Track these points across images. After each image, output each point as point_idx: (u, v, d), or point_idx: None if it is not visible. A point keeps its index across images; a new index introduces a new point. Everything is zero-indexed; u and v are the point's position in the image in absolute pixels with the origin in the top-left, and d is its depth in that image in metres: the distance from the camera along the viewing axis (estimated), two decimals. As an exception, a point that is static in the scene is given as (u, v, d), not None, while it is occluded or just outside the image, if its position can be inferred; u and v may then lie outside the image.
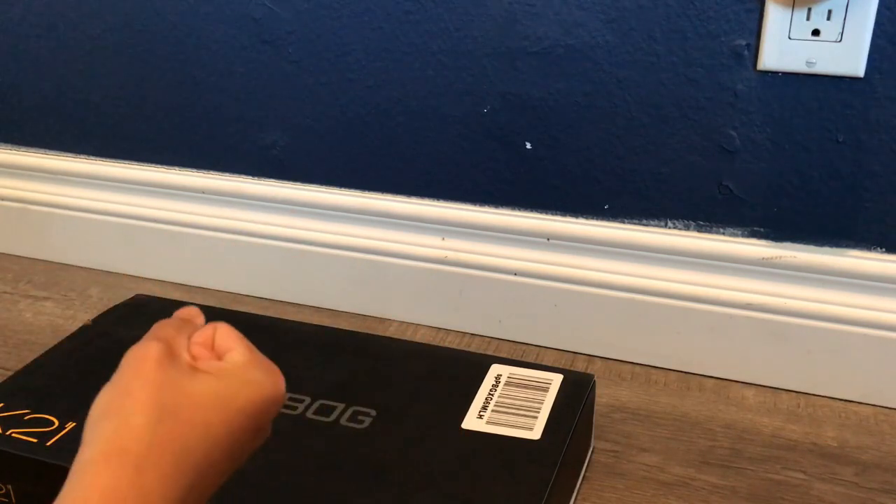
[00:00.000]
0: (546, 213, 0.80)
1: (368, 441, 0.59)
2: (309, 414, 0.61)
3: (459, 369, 0.67)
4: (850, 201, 0.70)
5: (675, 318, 0.77)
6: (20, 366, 0.70)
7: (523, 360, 0.80)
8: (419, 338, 0.85)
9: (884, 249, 0.71)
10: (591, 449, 0.68)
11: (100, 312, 0.76)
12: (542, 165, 0.78)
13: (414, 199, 0.84)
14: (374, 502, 0.54)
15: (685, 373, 0.79)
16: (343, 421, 0.61)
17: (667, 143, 0.73)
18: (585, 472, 0.66)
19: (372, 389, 0.64)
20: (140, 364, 0.40)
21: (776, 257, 0.73)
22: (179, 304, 0.78)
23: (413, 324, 0.87)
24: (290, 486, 0.55)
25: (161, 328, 0.44)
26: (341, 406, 0.62)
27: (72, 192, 0.97)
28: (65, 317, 0.90)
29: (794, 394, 0.76)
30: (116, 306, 0.77)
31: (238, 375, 0.42)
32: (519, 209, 0.80)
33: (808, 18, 0.65)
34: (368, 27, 0.78)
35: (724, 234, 0.75)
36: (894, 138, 0.67)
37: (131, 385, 0.39)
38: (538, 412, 0.61)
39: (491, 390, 0.64)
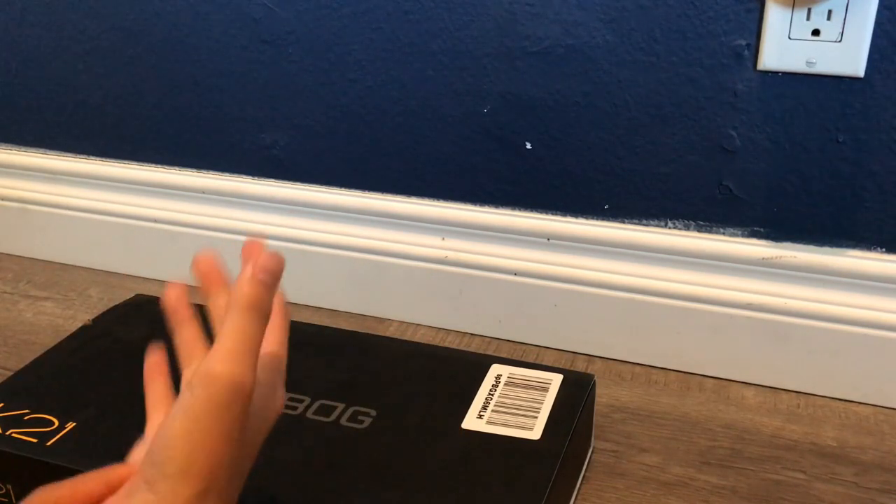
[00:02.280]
0: (546, 213, 0.80)
1: (368, 441, 0.59)
2: (309, 414, 0.61)
3: (459, 369, 0.67)
4: (850, 201, 0.70)
5: (675, 318, 0.77)
6: (20, 366, 0.70)
7: (523, 360, 0.80)
8: (419, 338, 0.85)
9: (884, 249, 0.71)
10: (591, 449, 0.68)
11: (100, 312, 0.76)
12: (542, 165, 0.78)
13: (414, 199, 0.84)
14: (374, 502, 0.54)
15: (685, 373, 0.79)
16: (343, 421, 0.61)
17: (667, 143, 0.73)
18: (585, 472, 0.66)
19: (372, 389, 0.64)
20: (225, 421, 0.39)
21: (776, 257, 0.73)
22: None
23: (413, 324, 0.87)
24: (290, 486, 0.55)
25: (246, 355, 0.41)
26: (341, 406, 0.62)
27: (72, 192, 0.97)
28: (65, 317, 0.90)
29: (794, 394, 0.76)
30: (116, 306, 0.77)
31: (263, 411, 0.45)
32: (519, 209, 0.80)
33: (808, 18, 0.65)
34: (368, 27, 0.78)
35: (724, 234, 0.75)
36: (894, 138, 0.67)
37: (218, 448, 0.39)
38: (538, 412, 0.61)
39: (491, 390, 0.64)
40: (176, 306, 0.49)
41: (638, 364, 0.80)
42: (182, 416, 0.38)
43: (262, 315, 0.41)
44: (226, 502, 0.40)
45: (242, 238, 0.90)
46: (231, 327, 0.40)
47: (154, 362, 0.51)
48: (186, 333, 0.49)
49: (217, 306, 0.48)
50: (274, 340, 0.48)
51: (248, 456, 0.43)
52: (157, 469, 0.38)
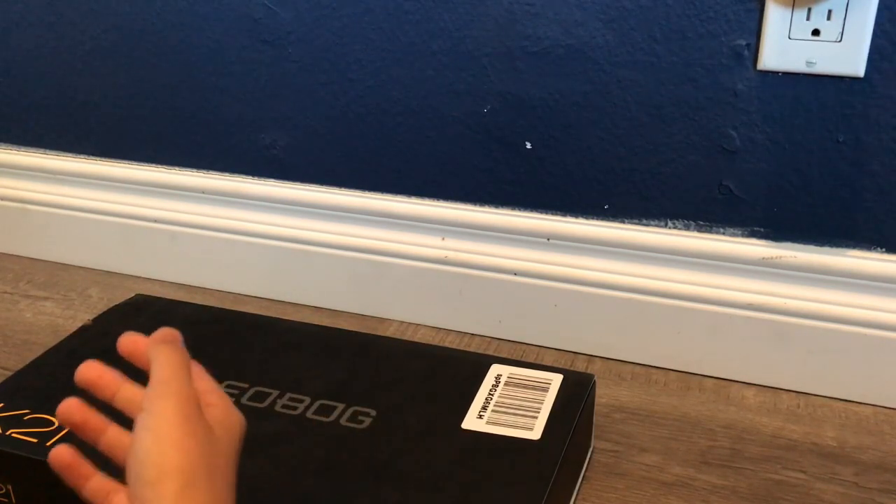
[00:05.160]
0: (546, 213, 0.80)
1: (368, 441, 0.59)
2: (309, 414, 0.61)
3: (459, 369, 0.67)
4: (850, 201, 0.70)
5: (675, 318, 0.77)
6: (20, 366, 0.70)
7: (523, 360, 0.80)
8: (419, 338, 0.85)
9: (884, 249, 0.71)
10: (591, 449, 0.68)
11: (100, 312, 0.76)
12: (542, 165, 0.78)
13: (414, 199, 0.84)
14: (374, 502, 0.54)
15: (685, 373, 0.79)
16: (343, 421, 0.61)
17: (667, 143, 0.73)
18: (585, 472, 0.66)
19: (372, 389, 0.64)
20: (185, 422, 0.43)
21: (776, 257, 0.73)
22: (179, 305, 0.78)
23: (413, 324, 0.87)
24: (290, 486, 0.55)
25: (180, 372, 0.46)
26: (341, 406, 0.62)
27: (72, 192, 0.97)
28: (65, 317, 0.90)
29: (794, 394, 0.76)
30: (116, 306, 0.77)
31: (226, 423, 0.46)
32: (519, 209, 0.80)
33: (808, 18, 0.65)
34: (368, 27, 0.78)
35: (724, 234, 0.75)
36: (894, 138, 0.67)
37: (186, 444, 0.42)
38: (538, 412, 0.61)
39: (491, 390, 0.64)
40: (97, 382, 0.49)
41: (638, 364, 0.80)
42: (145, 431, 0.43)
43: (178, 345, 0.48)
44: (217, 500, 0.43)
45: (242, 238, 0.90)
46: (161, 359, 0.46)
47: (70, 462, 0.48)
48: (127, 391, 0.48)
49: (124, 398, 0.48)
50: (196, 376, 0.49)
51: (223, 455, 0.45)
52: (140, 480, 0.41)
